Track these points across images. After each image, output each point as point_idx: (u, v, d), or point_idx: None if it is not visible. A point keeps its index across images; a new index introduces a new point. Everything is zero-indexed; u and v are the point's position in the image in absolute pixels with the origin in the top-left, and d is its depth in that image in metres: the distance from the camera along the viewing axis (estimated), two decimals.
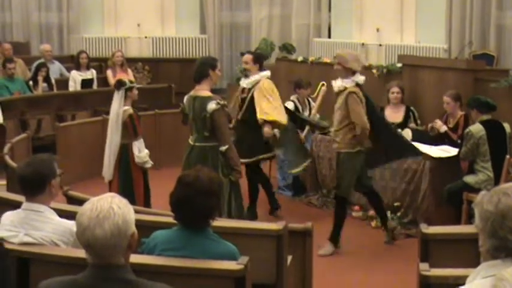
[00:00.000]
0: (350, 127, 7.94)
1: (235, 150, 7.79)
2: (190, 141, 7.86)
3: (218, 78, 8.00)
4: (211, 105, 7.51)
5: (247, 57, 9.15)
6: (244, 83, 9.12)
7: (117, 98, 8.37)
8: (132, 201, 8.16)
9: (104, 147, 8.46)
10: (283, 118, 8.97)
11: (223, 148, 7.60)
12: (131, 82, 8.56)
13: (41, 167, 4.62)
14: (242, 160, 8.36)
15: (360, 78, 8.01)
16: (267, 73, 9.14)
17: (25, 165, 4.69)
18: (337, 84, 8.04)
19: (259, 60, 9.25)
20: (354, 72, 7.97)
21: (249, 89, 9.00)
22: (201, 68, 7.74)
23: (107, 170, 8.45)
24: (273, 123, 8.87)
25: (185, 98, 7.93)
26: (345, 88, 7.95)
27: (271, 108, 8.84)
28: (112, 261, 3.04)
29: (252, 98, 8.94)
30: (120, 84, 8.42)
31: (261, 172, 9.30)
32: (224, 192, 7.63)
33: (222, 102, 7.65)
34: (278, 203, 9.36)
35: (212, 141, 7.65)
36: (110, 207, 3.03)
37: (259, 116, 8.79)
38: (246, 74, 9.16)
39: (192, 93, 7.82)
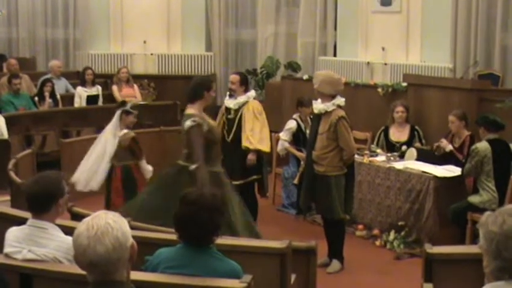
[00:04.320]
0: (338, 150, 7.91)
1: (205, 172, 7.51)
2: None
3: (211, 98, 7.98)
4: (187, 123, 7.50)
5: (235, 77, 9.07)
6: (231, 103, 9.00)
7: (115, 117, 8.60)
8: None
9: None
10: (265, 146, 8.92)
11: (192, 167, 7.47)
12: (134, 107, 8.69)
13: (49, 186, 4.60)
14: (235, 182, 8.36)
15: (341, 101, 7.97)
16: (253, 93, 9.14)
17: (33, 182, 4.67)
18: (318, 106, 8.00)
19: (246, 81, 9.18)
20: (334, 95, 7.96)
21: (236, 110, 8.92)
22: (196, 89, 7.74)
23: (92, 180, 8.58)
24: (257, 152, 8.84)
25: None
26: (326, 111, 7.94)
27: (255, 136, 8.78)
28: (115, 277, 3.04)
29: (241, 119, 8.86)
30: (120, 104, 8.64)
31: (253, 194, 9.14)
32: None
33: (198, 120, 7.56)
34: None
35: (190, 161, 7.59)
36: (106, 222, 3.03)
37: (244, 143, 8.76)
38: (231, 94, 9.03)
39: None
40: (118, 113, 8.58)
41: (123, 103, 8.78)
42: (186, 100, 7.83)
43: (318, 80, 8.00)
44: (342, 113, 7.92)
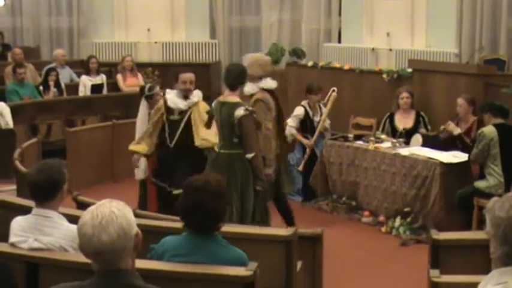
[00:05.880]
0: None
1: (261, 158, 7.56)
2: (216, 148, 7.64)
3: None
4: (240, 111, 7.35)
5: (192, 76, 8.25)
6: (181, 103, 8.15)
7: (142, 104, 8.71)
8: None
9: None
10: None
11: (249, 155, 7.42)
12: (151, 89, 8.67)
13: (53, 174, 4.60)
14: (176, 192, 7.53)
15: (268, 83, 7.91)
16: (200, 93, 8.37)
17: (37, 171, 4.66)
18: (246, 89, 7.90)
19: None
20: (260, 77, 7.89)
21: (183, 112, 8.17)
22: (240, 77, 7.60)
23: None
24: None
25: (214, 102, 7.77)
26: (251, 94, 7.87)
27: (208, 133, 8.06)
28: (120, 266, 3.04)
29: (189, 121, 8.15)
30: (140, 91, 8.75)
31: None
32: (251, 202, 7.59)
33: (250, 108, 7.49)
34: None
35: (239, 149, 7.45)
36: (111, 211, 3.03)
37: (197, 142, 8.05)
38: (185, 94, 8.15)
39: (220, 98, 7.68)
40: (142, 100, 8.60)
41: (142, 90, 8.79)
42: (228, 86, 7.60)
43: (247, 62, 7.96)
44: (261, 95, 7.82)
